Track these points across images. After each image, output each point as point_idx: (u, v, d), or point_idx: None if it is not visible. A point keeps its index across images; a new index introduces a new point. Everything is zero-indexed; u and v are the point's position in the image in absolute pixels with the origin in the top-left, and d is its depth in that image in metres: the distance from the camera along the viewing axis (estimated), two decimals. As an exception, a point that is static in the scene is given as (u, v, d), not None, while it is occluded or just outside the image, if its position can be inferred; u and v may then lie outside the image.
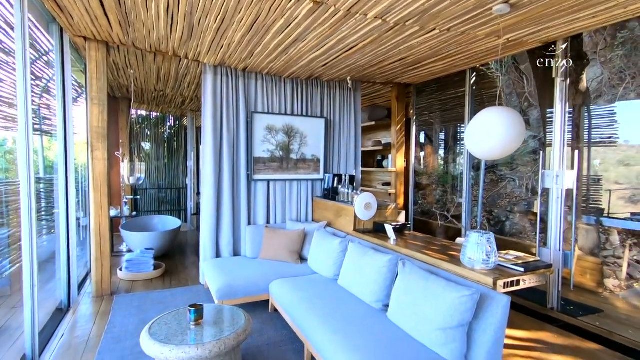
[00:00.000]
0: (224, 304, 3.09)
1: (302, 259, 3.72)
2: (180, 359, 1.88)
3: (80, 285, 3.92)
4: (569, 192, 3.28)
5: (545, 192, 3.39)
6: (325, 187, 4.22)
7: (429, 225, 5.79)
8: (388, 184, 5.25)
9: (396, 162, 4.99)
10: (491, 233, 2.23)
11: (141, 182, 4.23)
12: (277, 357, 2.50)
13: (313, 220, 4.34)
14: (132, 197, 5.77)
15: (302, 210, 4.30)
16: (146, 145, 7.16)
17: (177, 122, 7.57)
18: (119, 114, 6.33)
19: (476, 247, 2.21)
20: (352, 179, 4.18)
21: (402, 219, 3.82)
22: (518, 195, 5.26)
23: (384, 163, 5.30)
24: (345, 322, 2.24)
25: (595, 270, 3.95)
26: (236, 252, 3.99)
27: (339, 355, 1.95)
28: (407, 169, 5.19)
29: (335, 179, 4.08)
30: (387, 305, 2.43)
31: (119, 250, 5.28)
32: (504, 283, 2.09)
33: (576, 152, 3.47)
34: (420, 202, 6.28)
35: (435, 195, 6.35)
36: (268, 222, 4.15)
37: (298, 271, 3.41)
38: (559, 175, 3.22)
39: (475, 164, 5.65)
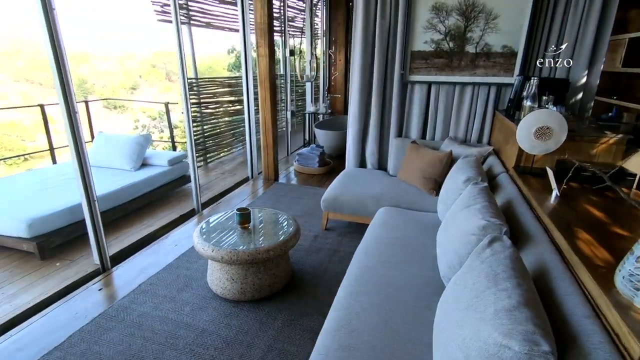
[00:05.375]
0: (329, 216, 2.92)
1: (441, 189, 2.84)
2: (210, 257, 1.95)
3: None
4: None
5: None
6: (511, 96, 2.81)
7: None
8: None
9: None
10: None
11: (313, 79, 4.25)
12: (322, 285, 2.20)
13: (489, 143, 3.12)
14: (336, 95, 6.02)
15: (473, 127, 3.13)
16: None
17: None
18: (338, 9, 6.31)
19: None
20: (563, 84, 2.54)
21: (631, 165, 2.08)
22: None
23: (677, 58, 2.85)
24: (377, 296, 1.57)
25: None
26: (381, 166, 3.54)
27: (328, 337, 1.39)
28: None
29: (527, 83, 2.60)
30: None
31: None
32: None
33: None
34: None
35: None
36: (423, 136, 3.33)
37: (421, 203, 2.66)
38: None
39: None
